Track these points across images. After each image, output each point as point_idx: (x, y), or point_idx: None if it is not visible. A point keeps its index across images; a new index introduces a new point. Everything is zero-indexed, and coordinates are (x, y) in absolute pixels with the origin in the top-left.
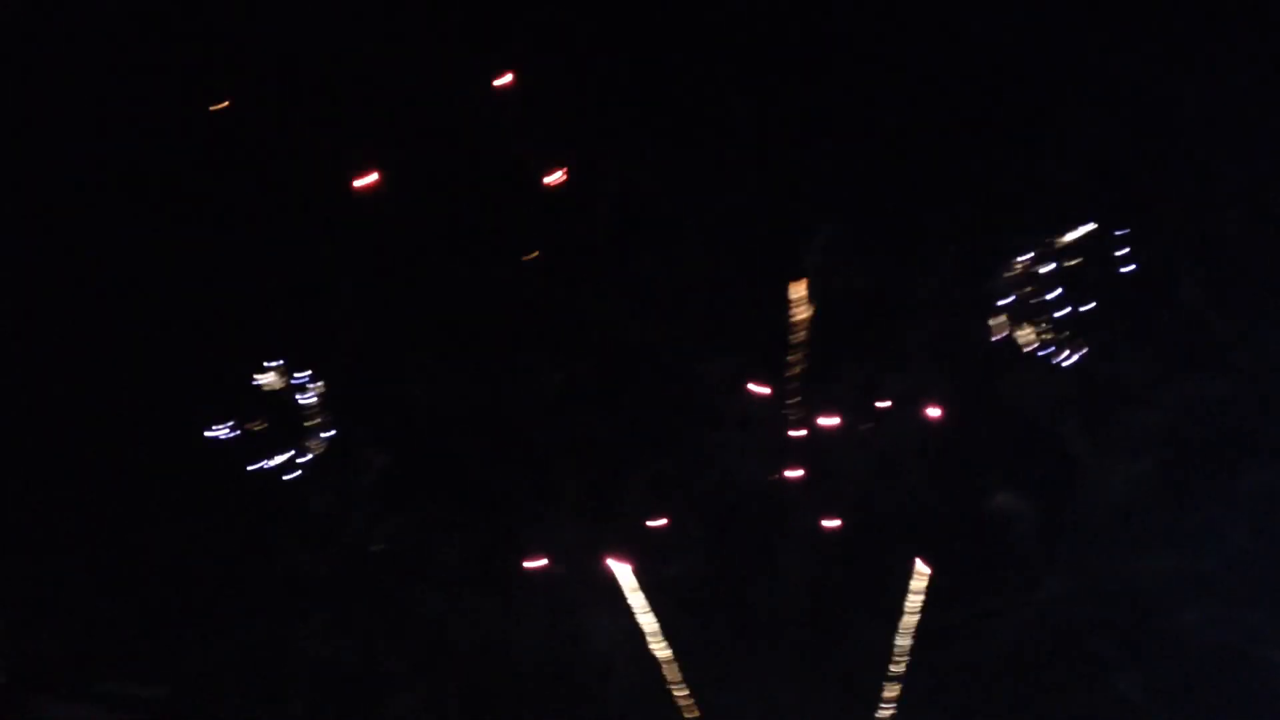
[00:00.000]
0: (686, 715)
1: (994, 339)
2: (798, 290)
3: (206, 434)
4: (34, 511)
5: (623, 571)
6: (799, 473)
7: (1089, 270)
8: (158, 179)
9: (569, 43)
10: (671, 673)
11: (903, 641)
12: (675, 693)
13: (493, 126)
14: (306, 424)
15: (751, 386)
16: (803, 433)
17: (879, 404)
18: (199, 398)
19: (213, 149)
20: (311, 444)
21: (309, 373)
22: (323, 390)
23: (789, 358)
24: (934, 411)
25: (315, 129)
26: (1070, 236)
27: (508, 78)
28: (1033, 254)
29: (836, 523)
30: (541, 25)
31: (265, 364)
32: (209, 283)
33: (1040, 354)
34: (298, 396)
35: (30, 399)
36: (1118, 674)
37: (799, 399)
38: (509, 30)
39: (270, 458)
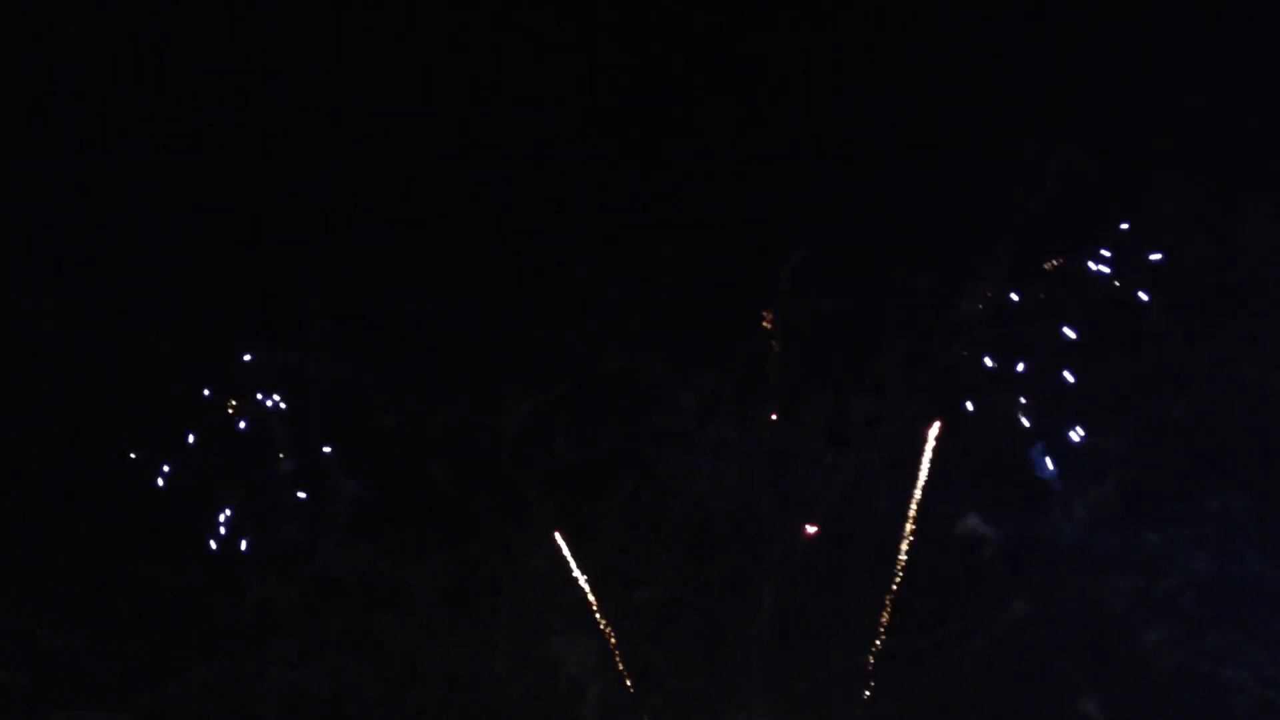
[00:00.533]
0: None
1: (962, 363)
2: (769, 318)
3: (172, 463)
4: None
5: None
6: (770, 498)
7: (1056, 296)
8: (136, 193)
9: (547, 73)
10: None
11: (871, 664)
12: (646, 718)
13: (471, 153)
14: (277, 452)
15: (723, 413)
16: (774, 458)
17: (848, 429)
18: (165, 426)
19: (188, 162)
20: (282, 472)
21: (280, 401)
22: (294, 418)
23: (761, 384)
24: (904, 435)
25: (289, 153)
26: (1039, 263)
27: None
28: (1001, 280)
29: (808, 541)
30: (521, 55)
31: (234, 392)
32: (179, 310)
33: (1006, 378)
34: (268, 424)
35: None
36: (1080, 695)
37: (770, 424)
38: (489, 61)
39: (240, 486)
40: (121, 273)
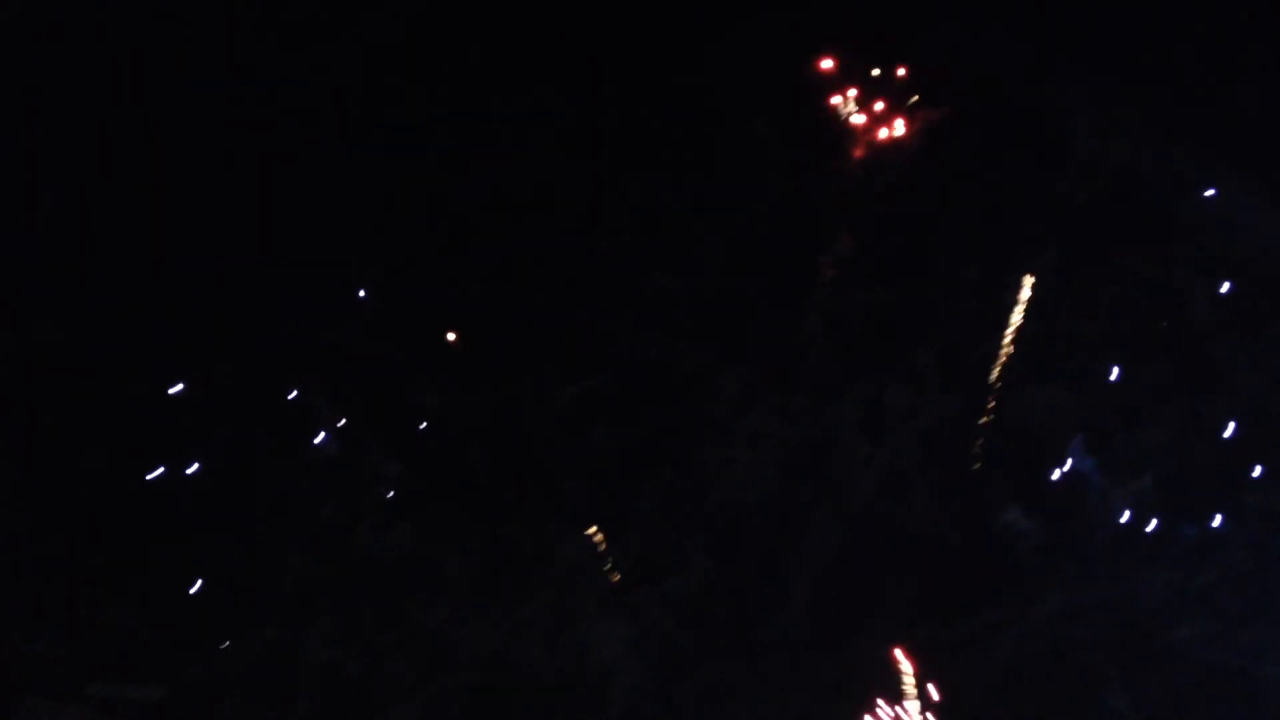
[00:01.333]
0: None
1: (1002, 356)
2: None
3: (213, 442)
4: (37, 515)
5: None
6: (806, 488)
7: (1098, 288)
8: (163, 184)
9: (590, 62)
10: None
11: (905, 657)
12: (677, 704)
13: (513, 143)
14: (320, 432)
15: (761, 403)
16: (811, 449)
17: (886, 419)
18: (210, 406)
19: (229, 156)
20: (325, 452)
21: (324, 382)
22: (337, 398)
23: (800, 374)
24: (942, 427)
25: (330, 143)
26: (1081, 254)
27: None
28: (1047, 273)
29: (843, 532)
30: (563, 46)
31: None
32: (223, 292)
33: (1047, 371)
34: (313, 405)
35: (36, 404)
36: (1111, 690)
37: (808, 414)
38: (528, 51)
39: (281, 465)
40: (170, 248)
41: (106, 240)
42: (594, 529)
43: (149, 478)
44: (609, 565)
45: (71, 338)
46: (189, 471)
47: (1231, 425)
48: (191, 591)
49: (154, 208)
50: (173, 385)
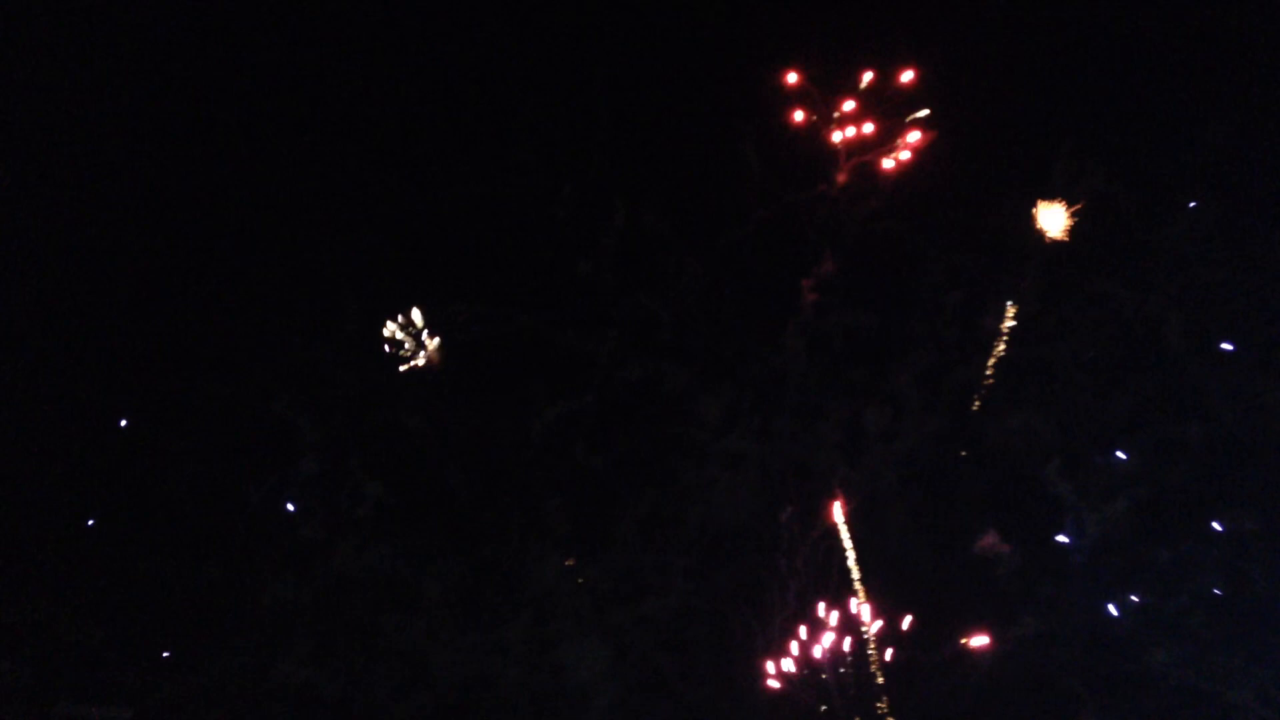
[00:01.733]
0: None
1: (981, 381)
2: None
3: (194, 461)
4: (5, 531)
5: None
6: (783, 509)
7: (1076, 314)
8: (144, 199)
9: (577, 85)
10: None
11: (880, 676)
12: None
13: (497, 166)
14: (302, 452)
15: (741, 424)
16: (790, 470)
17: (866, 442)
18: (189, 424)
19: (214, 179)
20: (305, 471)
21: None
22: (320, 418)
23: (780, 396)
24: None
25: (313, 163)
26: (1063, 283)
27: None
28: (1027, 300)
29: (819, 552)
30: (551, 66)
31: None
32: (208, 309)
33: (1024, 396)
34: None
35: (4, 422)
36: (1084, 712)
37: (788, 437)
38: (524, 74)
39: (262, 484)
40: (149, 273)
41: (85, 255)
42: (573, 550)
43: (119, 494)
44: (588, 586)
45: (46, 353)
46: (163, 487)
47: (1206, 450)
48: (163, 609)
49: (134, 224)
50: (153, 400)
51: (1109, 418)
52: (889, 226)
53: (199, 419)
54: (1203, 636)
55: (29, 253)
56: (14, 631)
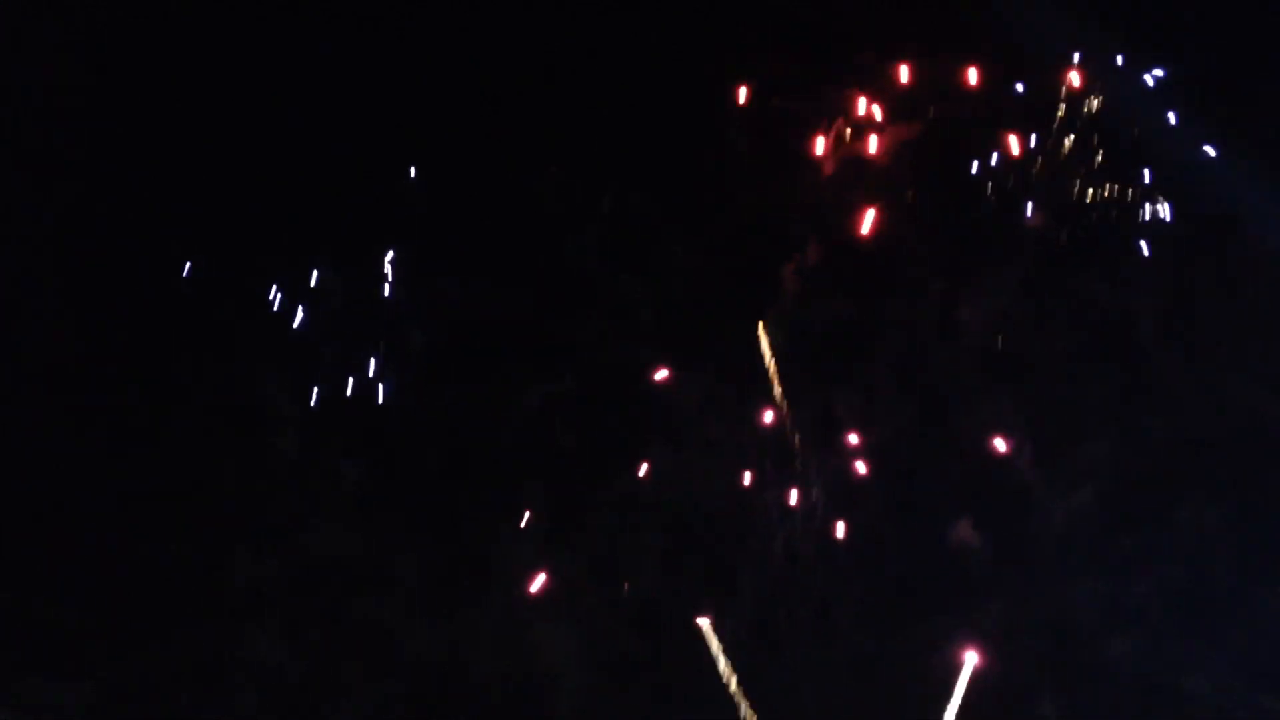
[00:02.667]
0: None
1: (954, 370)
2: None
3: (168, 433)
4: None
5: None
6: (758, 497)
7: (1047, 305)
8: (120, 176)
9: (568, 71)
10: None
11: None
12: (625, 708)
13: (479, 147)
14: (281, 431)
15: (719, 411)
16: (765, 458)
17: (839, 431)
18: (164, 399)
19: (213, 170)
20: (278, 448)
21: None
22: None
23: (757, 383)
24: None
25: (294, 137)
26: (1039, 274)
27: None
28: (1003, 292)
29: (792, 541)
30: (544, 54)
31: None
32: (190, 285)
33: (996, 385)
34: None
35: None
36: (1041, 700)
37: (764, 424)
38: (508, 57)
39: (239, 461)
40: (125, 239)
41: (59, 234)
42: (546, 532)
43: (86, 468)
44: (560, 568)
45: (16, 332)
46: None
47: (1170, 441)
48: (130, 586)
49: (109, 200)
50: (128, 379)
51: (1079, 409)
52: (873, 216)
53: (170, 394)
54: (1161, 626)
55: None
56: None
